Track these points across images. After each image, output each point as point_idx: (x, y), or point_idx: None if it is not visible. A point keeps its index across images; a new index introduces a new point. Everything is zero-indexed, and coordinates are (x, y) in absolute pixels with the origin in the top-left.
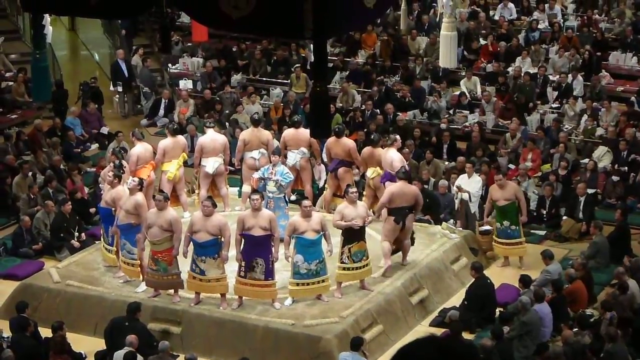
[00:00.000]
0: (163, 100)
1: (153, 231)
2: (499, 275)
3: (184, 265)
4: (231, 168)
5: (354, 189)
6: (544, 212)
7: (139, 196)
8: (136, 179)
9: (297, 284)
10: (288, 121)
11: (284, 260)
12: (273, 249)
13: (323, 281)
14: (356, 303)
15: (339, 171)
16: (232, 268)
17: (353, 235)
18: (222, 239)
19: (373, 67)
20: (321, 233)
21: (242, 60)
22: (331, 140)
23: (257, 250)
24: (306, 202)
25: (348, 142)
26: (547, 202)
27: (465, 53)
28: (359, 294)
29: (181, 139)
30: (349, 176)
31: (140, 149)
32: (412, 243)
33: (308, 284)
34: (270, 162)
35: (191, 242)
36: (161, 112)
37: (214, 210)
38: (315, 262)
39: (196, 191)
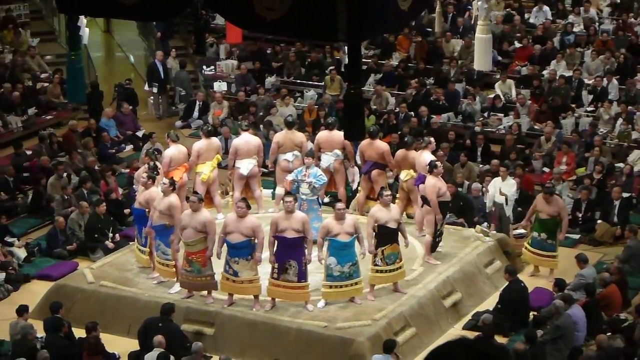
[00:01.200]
0: (197, 102)
1: (187, 232)
2: (533, 278)
3: (218, 266)
4: (265, 170)
5: (388, 192)
6: (580, 215)
7: (173, 197)
8: (166, 180)
9: (330, 287)
10: (322, 123)
11: (317, 262)
12: (306, 251)
13: (356, 284)
14: (389, 306)
15: (372, 173)
16: (265, 270)
17: (386, 237)
18: (256, 241)
19: (407, 69)
20: (354, 236)
21: (276, 62)
22: (365, 142)
23: (290, 252)
24: (339, 205)
25: (381, 145)
26: (582, 205)
27: (500, 58)
28: (392, 297)
29: (215, 140)
30: (382, 179)
31: (174, 150)
32: (436, 246)
33: (341, 286)
34: (304, 164)
35: (225, 244)
36: (195, 114)
37: (247, 212)
38: (348, 264)
39: (230, 193)
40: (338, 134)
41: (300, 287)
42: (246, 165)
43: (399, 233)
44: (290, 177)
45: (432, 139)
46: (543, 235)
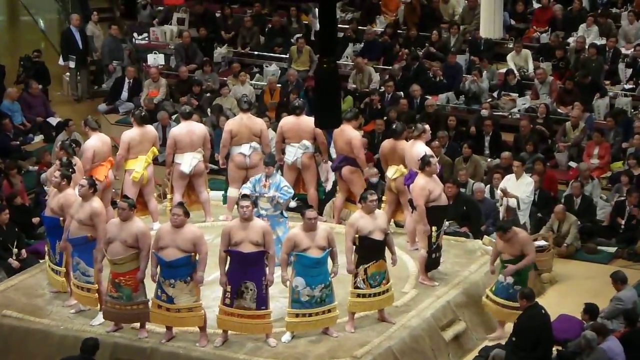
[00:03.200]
0: (126, 80)
1: (114, 247)
2: (557, 303)
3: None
4: (213, 167)
5: (373, 195)
6: (622, 222)
7: (96, 202)
8: (85, 181)
9: (297, 315)
10: (287, 107)
11: (280, 284)
12: (267, 269)
13: (329, 311)
14: (374, 339)
15: (343, 171)
16: (215, 295)
17: (370, 252)
18: (197, 257)
19: (394, 37)
20: (327, 250)
21: (228, 29)
22: (338, 129)
23: (247, 271)
24: (310, 212)
25: (350, 133)
26: (626, 210)
27: (513, 21)
28: (378, 328)
29: (150, 129)
30: (357, 177)
31: (97, 141)
32: (436, 264)
33: (311, 314)
34: (264, 167)
35: (158, 262)
36: (124, 94)
37: (185, 220)
38: (320, 286)
39: (169, 196)
40: (307, 121)
41: (260, 315)
42: (189, 161)
43: (386, 247)
44: (245, 188)
45: (426, 126)
46: (509, 279)
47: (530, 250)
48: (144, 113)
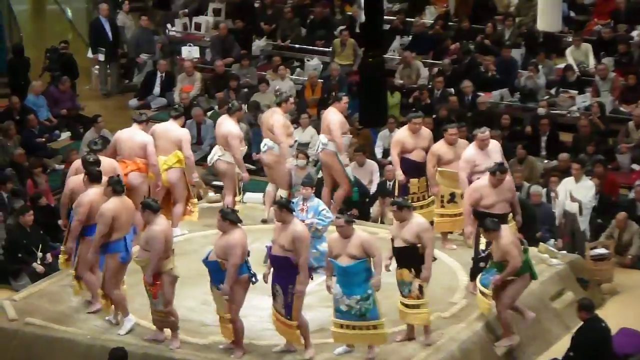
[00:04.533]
0: (159, 74)
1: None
2: (618, 316)
3: (184, 299)
4: (251, 167)
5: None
6: None
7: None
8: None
9: (342, 326)
10: (329, 102)
11: (321, 292)
12: (297, 278)
13: (375, 327)
14: (420, 353)
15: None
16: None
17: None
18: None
19: (445, 30)
20: (361, 260)
21: (267, 20)
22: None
23: (276, 273)
24: (338, 220)
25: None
26: None
27: (572, 13)
28: (422, 340)
29: (174, 128)
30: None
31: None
32: (478, 271)
33: (354, 327)
34: (303, 180)
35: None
36: (156, 89)
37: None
38: (355, 297)
39: (202, 199)
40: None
41: (286, 324)
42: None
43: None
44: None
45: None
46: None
47: (512, 257)
48: (181, 109)
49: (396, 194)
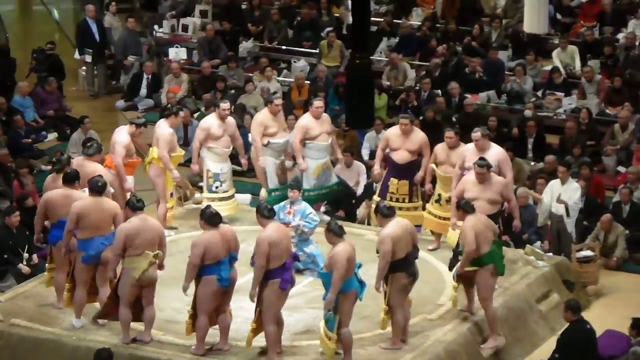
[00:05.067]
0: (145, 76)
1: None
2: (603, 318)
3: (171, 300)
4: (237, 168)
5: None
6: None
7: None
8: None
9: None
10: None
11: (307, 294)
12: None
13: (329, 339)
14: (406, 355)
15: None
16: (235, 305)
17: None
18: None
19: (432, 31)
20: (328, 272)
21: (254, 22)
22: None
23: None
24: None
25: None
26: None
27: (559, 15)
28: (411, 342)
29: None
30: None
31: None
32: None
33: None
34: (290, 182)
35: None
36: (143, 91)
37: None
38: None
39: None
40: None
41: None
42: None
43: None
44: (285, 219)
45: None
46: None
47: (465, 241)
48: (175, 109)
49: (377, 193)
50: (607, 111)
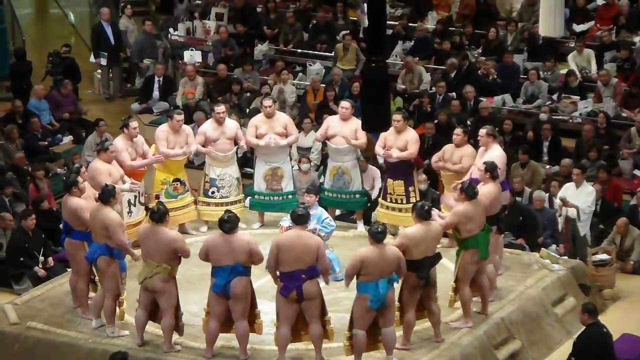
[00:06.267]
0: (156, 78)
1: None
2: (620, 322)
3: (187, 303)
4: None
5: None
6: None
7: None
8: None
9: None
10: (329, 108)
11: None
12: None
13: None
14: (421, 358)
15: None
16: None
17: None
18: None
19: (447, 35)
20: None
21: (270, 24)
22: None
23: None
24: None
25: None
26: None
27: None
28: (427, 345)
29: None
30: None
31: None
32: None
33: None
34: (307, 187)
35: None
36: (155, 93)
37: None
38: None
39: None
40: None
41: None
42: None
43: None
44: (285, 220)
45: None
46: None
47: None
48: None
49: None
50: (623, 114)
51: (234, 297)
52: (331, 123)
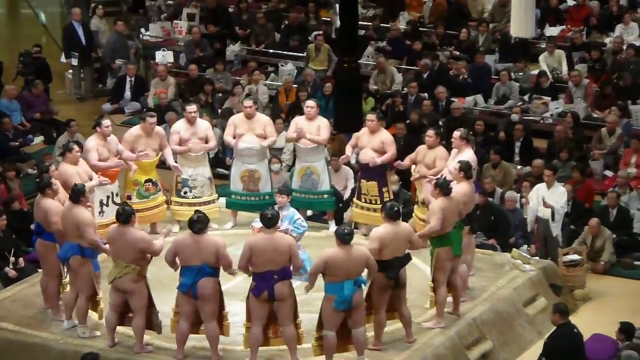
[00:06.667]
0: (128, 78)
1: None
2: (591, 322)
3: (159, 304)
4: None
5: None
6: None
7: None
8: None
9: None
10: (301, 108)
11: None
12: None
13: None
14: (394, 358)
15: None
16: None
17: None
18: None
19: (419, 35)
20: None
21: (242, 25)
22: None
23: None
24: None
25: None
26: None
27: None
28: (398, 346)
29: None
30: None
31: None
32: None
33: None
34: (279, 188)
35: None
36: (127, 94)
37: None
38: None
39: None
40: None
41: None
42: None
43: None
44: (257, 221)
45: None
46: None
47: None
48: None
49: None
50: (595, 115)
51: (201, 298)
52: (299, 123)
